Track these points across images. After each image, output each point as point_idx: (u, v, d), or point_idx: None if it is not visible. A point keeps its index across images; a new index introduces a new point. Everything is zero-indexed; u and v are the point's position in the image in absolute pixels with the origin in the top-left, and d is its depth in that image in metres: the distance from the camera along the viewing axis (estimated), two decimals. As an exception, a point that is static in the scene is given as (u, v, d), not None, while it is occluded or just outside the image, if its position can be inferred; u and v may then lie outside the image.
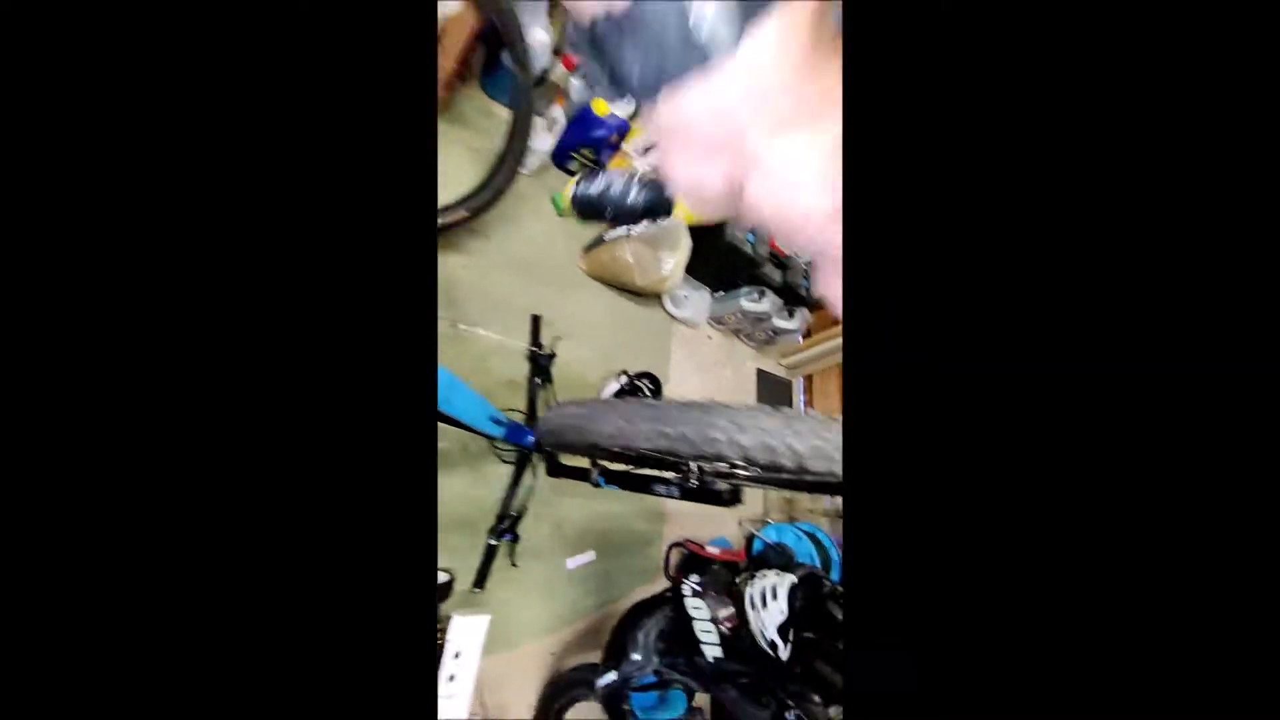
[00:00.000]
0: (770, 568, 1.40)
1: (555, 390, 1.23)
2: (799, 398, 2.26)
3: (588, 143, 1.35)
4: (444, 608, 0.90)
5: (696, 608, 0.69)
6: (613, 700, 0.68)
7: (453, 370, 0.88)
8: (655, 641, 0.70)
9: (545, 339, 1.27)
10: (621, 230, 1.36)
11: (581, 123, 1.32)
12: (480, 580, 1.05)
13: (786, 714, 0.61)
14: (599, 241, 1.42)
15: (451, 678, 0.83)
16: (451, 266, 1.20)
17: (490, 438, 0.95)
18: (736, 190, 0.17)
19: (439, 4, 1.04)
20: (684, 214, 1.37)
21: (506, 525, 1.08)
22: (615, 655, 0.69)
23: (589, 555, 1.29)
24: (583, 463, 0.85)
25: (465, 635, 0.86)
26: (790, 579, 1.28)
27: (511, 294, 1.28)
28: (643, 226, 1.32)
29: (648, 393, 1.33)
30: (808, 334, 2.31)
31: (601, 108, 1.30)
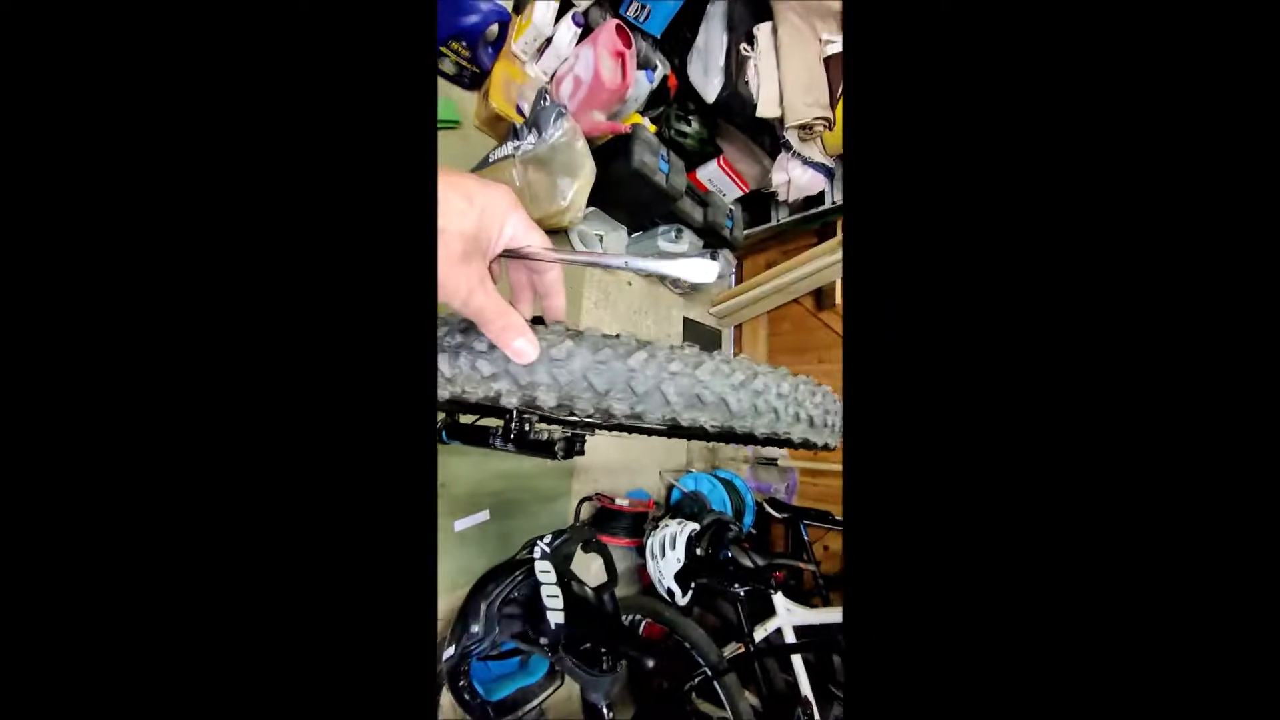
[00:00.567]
0: (685, 516, 1.38)
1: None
2: (728, 348, 2.22)
3: (461, 34, 1.11)
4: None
5: (544, 571, 0.62)
6: (452, 676, 0.60)
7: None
8: (501, 610, 0.62)
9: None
10: (508, 147, 1.16)
11: (451, 6, 1.07)
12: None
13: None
14: (484, 163, 1.21)
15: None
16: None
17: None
18: None
19: None
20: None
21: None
22: (457, 629, 0.61)
23: (481, 515, 1.19)
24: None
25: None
26: (691, 527, 1.26)
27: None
28: (531, 142, 1.13)
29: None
30: (739, 280, 2.24)
31: (471, -13, 1.05)
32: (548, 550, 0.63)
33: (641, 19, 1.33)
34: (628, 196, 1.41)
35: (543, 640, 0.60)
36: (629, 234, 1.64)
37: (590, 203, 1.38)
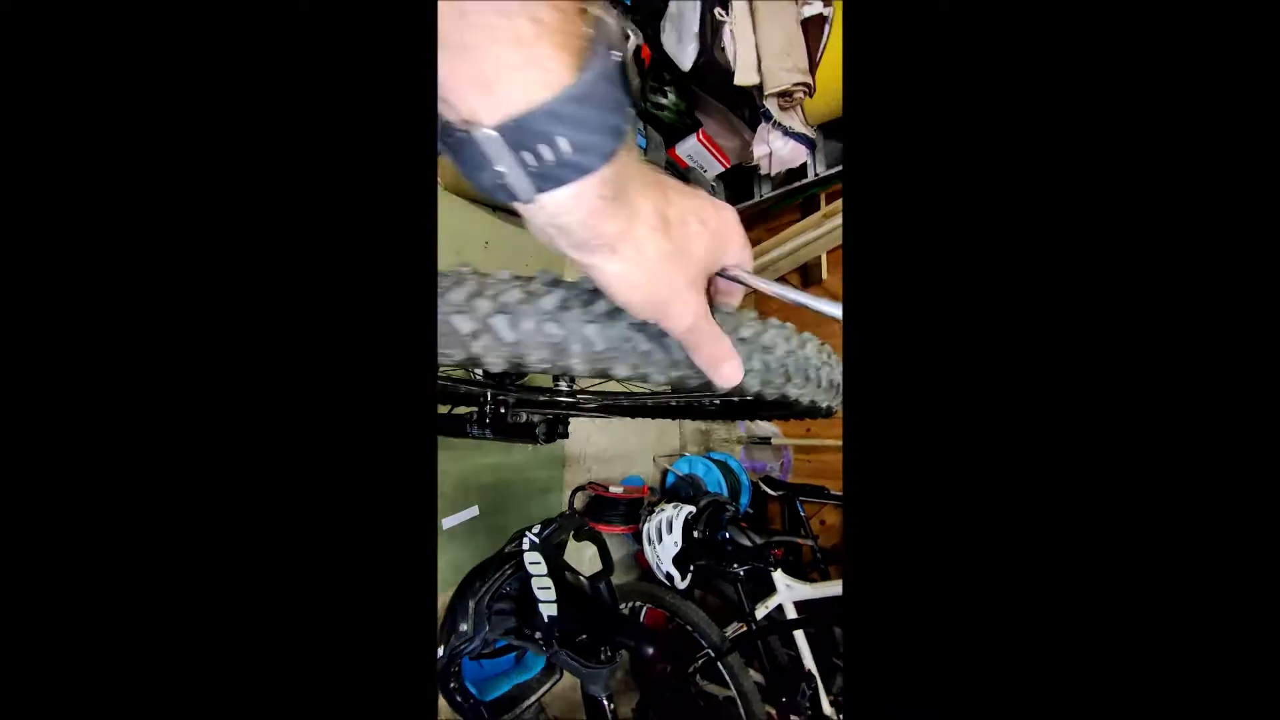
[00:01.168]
0: (681, 500, 1.37)
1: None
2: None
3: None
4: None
5: (534, 562, 0.59)
6: (442, 678, 0.57)
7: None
8: (491, 605, 0.59)
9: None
10: (474, 127, 1.10)
11: None
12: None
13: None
14: (451, 144, 1.15)
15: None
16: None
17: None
18: None
19: None
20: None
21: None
22: (444, 630, 0.58)
23: (470, 511, 1.16)
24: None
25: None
26: (686, 510, 1.24)
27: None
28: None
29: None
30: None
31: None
32: (536, 541, 0.60)
33: (610, -16, 1.26)
34: (605, 174, 1.36)
35: (536, 635, 0.57)
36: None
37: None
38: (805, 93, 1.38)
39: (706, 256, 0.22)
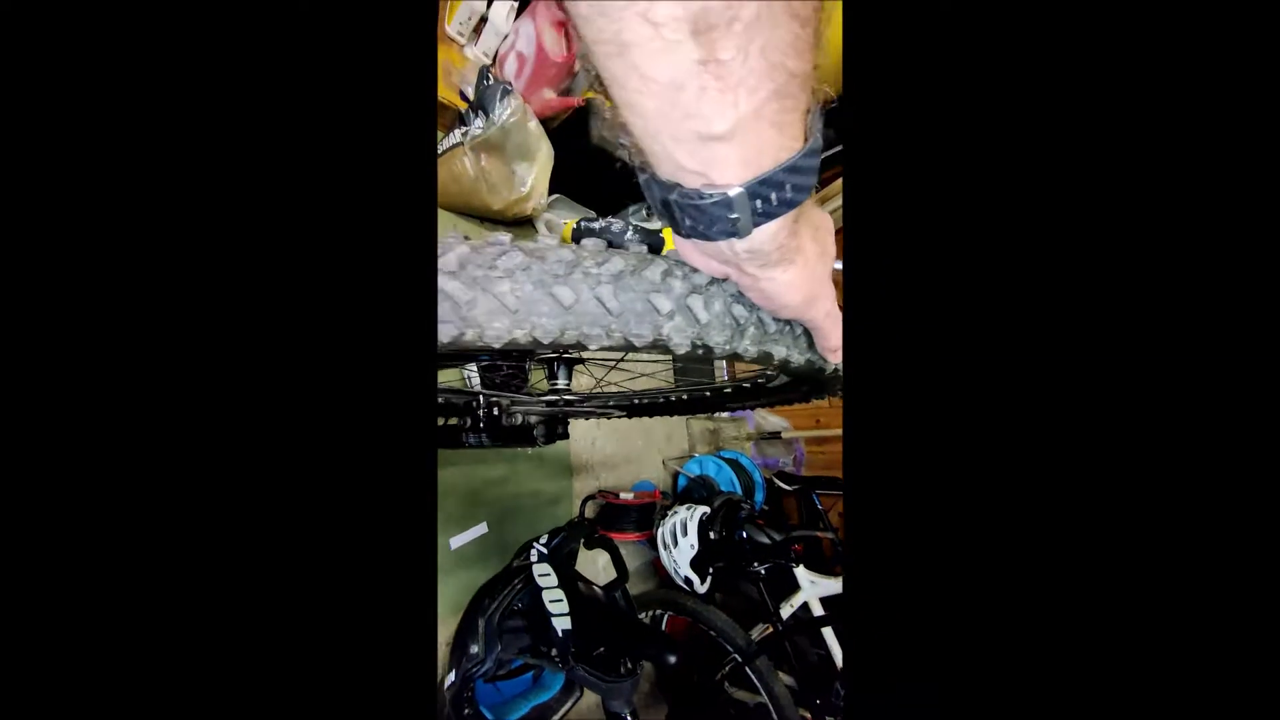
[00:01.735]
0: (694, 502, 1.33)
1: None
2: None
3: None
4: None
5: (543, 574, 0.55)
6: (456, 705, 0.54)
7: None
8: (502, 624, 0.56)
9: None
10: (455, 135, 1.08)
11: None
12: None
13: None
14: (433, 157, 1.13)
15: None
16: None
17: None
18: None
19: None
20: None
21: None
22: (456, 653, 0.54)
23: (479, 529, 1.12)
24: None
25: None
26: (701, 511, 1.20)
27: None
28: (480, 125, 1.05)
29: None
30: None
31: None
32: (545, 552, 0.57)
33: (581, -13, 1.26)
34: (594, 177, 1.35)
35: (551, 651, 0.54)
36: (600, 217, 1.57)
37: (554, 189, 1.31)
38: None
39: (833, 253, 0.26)
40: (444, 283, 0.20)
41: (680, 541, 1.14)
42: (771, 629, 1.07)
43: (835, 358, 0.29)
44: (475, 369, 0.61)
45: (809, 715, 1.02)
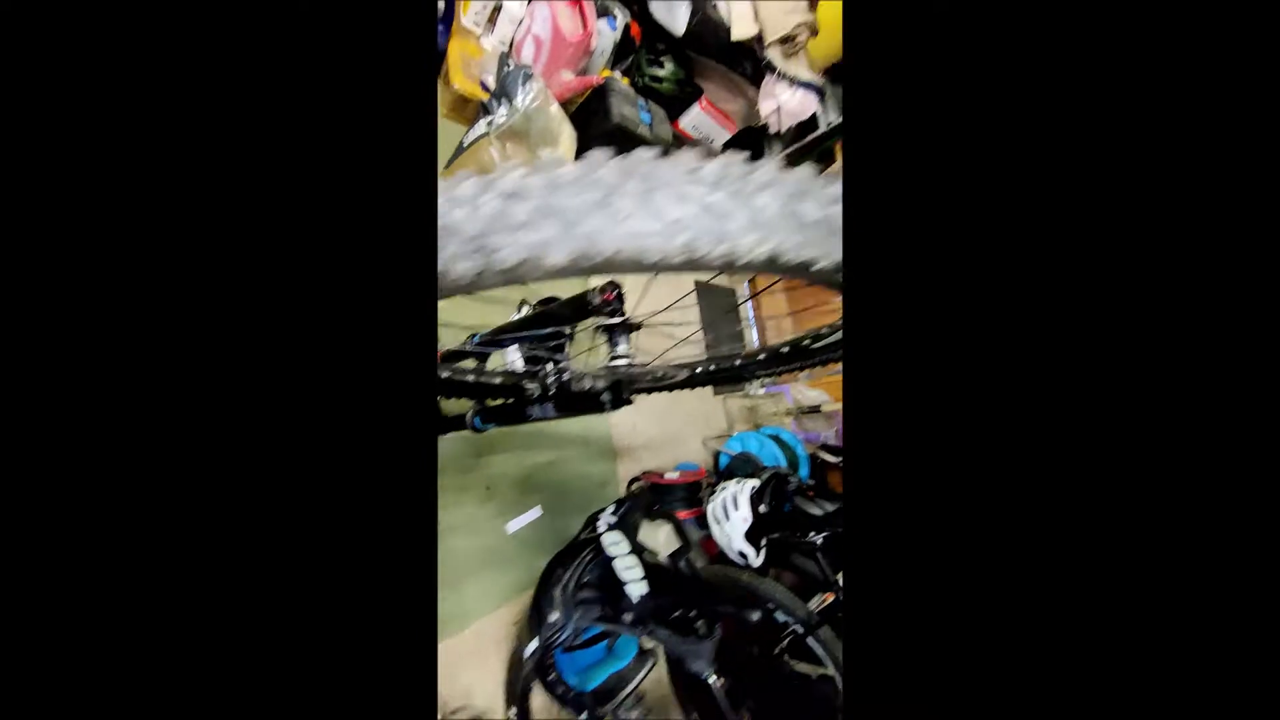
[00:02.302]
0: (741, 477, 1.32)
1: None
2: (746, 305, 2.13)
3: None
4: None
5: (614, 543, 0.56)
6: (541, 670, 0.55)
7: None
8: (575, 594, 0.57)
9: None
10: (481, 126, 1.09)
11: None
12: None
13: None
14: (459, 150, 1.14)
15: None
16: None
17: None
18: None
19: None
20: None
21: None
22: (534, 622, 0.56)
23: (534, 512, 1.15)
24: (464, 407, 0.68)
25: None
26: (750, 484, 1.19)
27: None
28: (503, 114, 1.05)
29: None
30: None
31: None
32: (614, 521, 0.58)
33: (591, -38, 1.23)
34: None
35: (627, 617, 0.54)
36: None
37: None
38: (808, 33, 1.31)
39: None
40: (706, 195, 0.19)
41: (732, 515, 1.14)
42: (832, 596, 1.06)
43: None
44: (518, 351, 0.61)
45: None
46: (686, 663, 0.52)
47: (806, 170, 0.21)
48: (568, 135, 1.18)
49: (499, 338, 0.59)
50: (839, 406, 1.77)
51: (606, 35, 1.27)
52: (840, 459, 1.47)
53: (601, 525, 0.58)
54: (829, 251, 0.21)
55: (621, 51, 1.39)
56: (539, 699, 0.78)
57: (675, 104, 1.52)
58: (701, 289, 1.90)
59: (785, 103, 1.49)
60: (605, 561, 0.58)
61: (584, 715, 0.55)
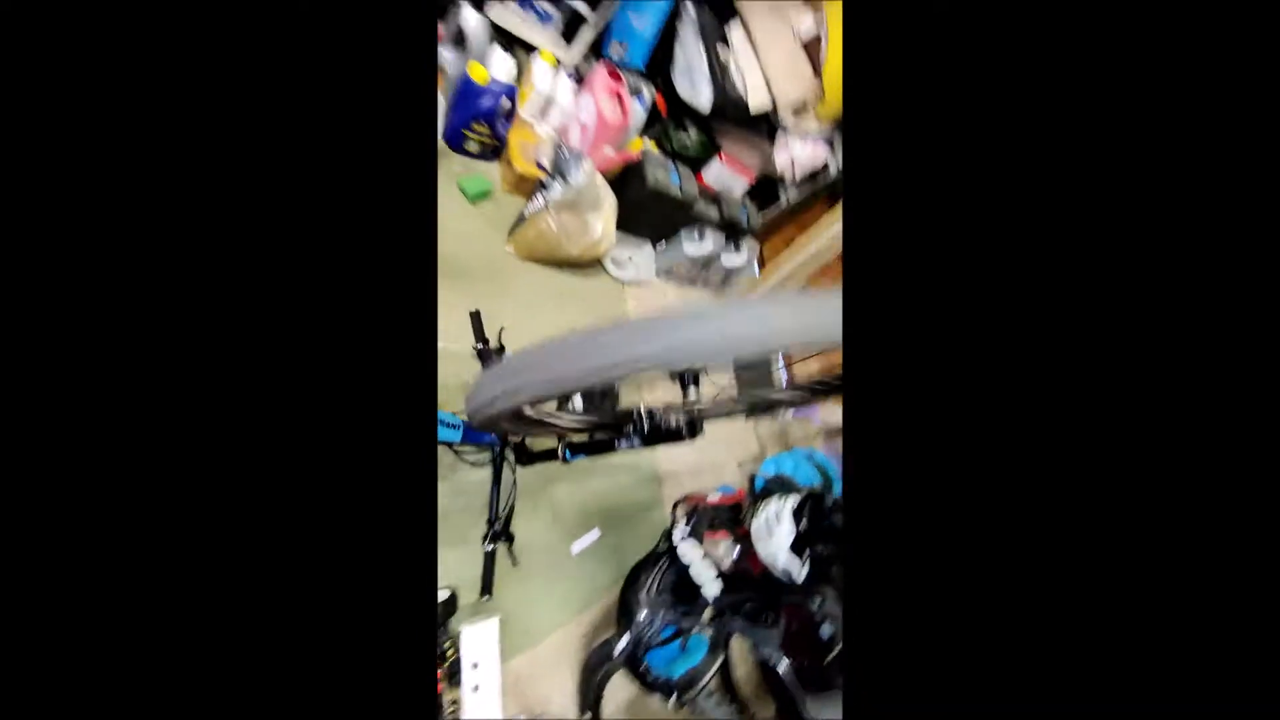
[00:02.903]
0: (779, 495, 1.41)
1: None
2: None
3: (478, 116, 1.25)
4: (453, 622, 0.87)
5: (689, 551, 0.68)
6: (632, 664, 0.67)
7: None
8: (658, 596, 0.68)
9: (489, 333, 1.21)
10: (538, 202, 1.28)
11: (465, 96, 1.22)
12: (486, 588, 1.02)
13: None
14: (520, 220, 1.34)
15: (476, 688, 0.81)
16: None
17: (450, 444, 0.90)
18: None
19: None
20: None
21: (498, 528, 1.04)
22: (624, 620, 0.68)
23: (594, 534, 1.27)
24: (551, 443, 0.82)
25: (478, 643, 0.84)
26: (791, 500, 1.28)
27: (444, 295, 1.20)
28: (558, 190, 1.24)
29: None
30: (763, 265, 2.29)
31: (479, 73, 1.20)
32: (686, 533, 0.69)
33: (624, 56, 1.45)
34: (649, 215, 1.52)
35: (705, 614, 0.66)
36: (653, 246, 1.74)
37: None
38: (816, 99, 1.49)
39: None
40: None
41: (775, 531, 1.23)
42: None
43: None
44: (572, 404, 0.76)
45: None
46: (759, 650, 0.63)
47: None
48: (610, 202, 1.37)
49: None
50: (867, 426, 1.85)
51: (639, 113, 1.47)
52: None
53: (676, 536, 0.70)
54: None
55: (649, 118, 1.60)
56: (610, 705, 0.87)
57: (698, 162, 1.72)
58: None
59: (798, 154, 1.66)
60: (680, 569, 0.70)
61: (674, 697, 0.66)
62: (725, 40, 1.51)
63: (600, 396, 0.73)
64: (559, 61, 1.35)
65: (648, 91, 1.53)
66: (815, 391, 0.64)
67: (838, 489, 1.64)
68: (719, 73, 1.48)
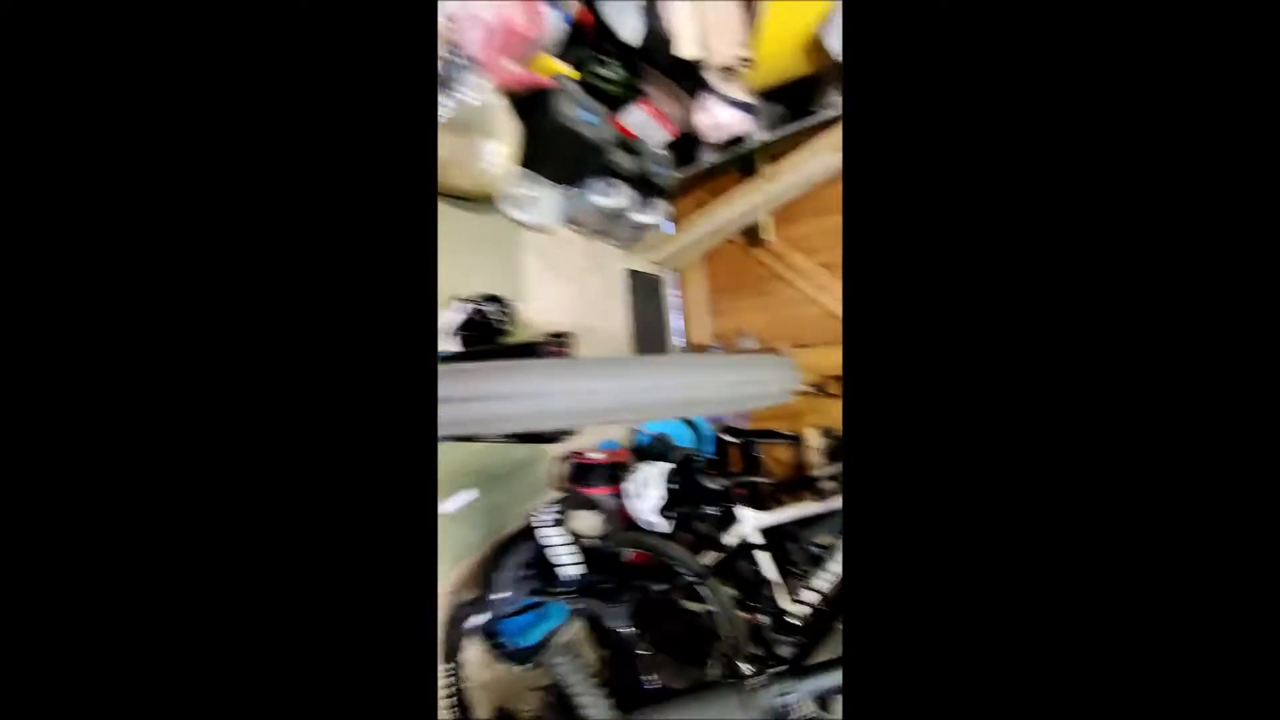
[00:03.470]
0: (654, 458, 1.52)
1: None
2: (669, 293, 2.30)
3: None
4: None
5: (554, 534, 0.70)
6: (488, 635, 0.69)
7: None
8: (518, 572, 0.71)
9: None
10: (420, 116, 1.05)
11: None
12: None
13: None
14: (395, 133, 1.09)
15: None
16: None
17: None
18: None
19: None
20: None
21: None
22: (481, 596, 0.69)
23: (470, 494, 1.24)
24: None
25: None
26: (665, 468, 1.40)
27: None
28: (447, 105, 1.03)
29: (497, 321, 1.19)
30: (675, 225, 2.27)
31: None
32: (550, 518, 0.71)
33: (543, -54, 1.19)
34: (556, 153, 1.36)
35: (562, 590, 0.70)
36: (562, 190, 1.59)
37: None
38: (746, 66, 1.42)
39: None
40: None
41: (646, 494, 1.34)
42: (723, 555, 1.33)
43: None
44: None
45: (746, 616, 1.32)
46: (608, 621, 0.70)
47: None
48: (510, 130, 1.18)
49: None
50: (742, 392, 2.05)
51: (555, 24, 1.26)
52: (739, 440, 1.75)
53: (539, 520, 0.71)
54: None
55: (570, 41, 1.38)
56: (471, 651, 0.92)
57: (619, 103, 1.56)
58: (633, 276, 2.02)
59: (721, 118, 1.61)
60: (540, 547, 0.73)
61: (527, 665, 0.71)
62: (664, -35, 1.33)
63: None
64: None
65: (570, 5, 1.30)
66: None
67: (709, 448, 1.82)
68: (654, 8, 1.31)
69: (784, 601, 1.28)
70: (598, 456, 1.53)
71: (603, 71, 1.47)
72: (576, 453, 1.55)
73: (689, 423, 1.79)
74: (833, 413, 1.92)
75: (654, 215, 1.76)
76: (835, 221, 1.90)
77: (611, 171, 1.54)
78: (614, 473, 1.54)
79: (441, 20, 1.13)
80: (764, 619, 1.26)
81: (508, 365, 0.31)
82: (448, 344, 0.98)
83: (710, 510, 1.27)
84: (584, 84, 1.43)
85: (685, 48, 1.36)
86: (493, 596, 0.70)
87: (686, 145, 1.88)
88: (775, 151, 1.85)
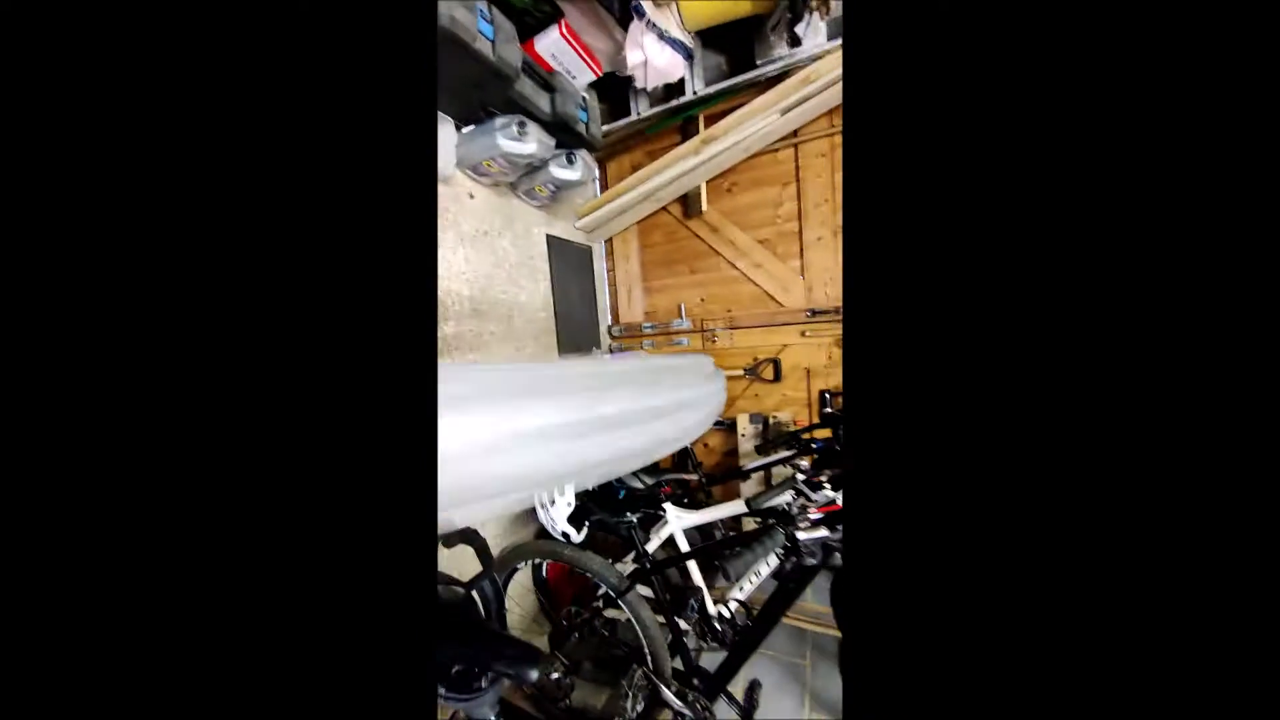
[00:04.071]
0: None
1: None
2: (600, 265, 2.07)
3: None
4: None
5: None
6: None
7: None
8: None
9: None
10: None
11: None
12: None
13: None
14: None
15: None
16: None
17: None
18: None
19: None
20: None
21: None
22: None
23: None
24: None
25: None
26: (577, 471, 1.22)
27: None
28: None
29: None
30: (604, 187, 2.02)
31: None
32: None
33: None
34: (445, 72, 1.05)
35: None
36: (457, 128, 1.27)
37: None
38: (682, -11, 1.19)
39: None
40: None
41: (558, 500, 1.15)
42: (643, 561, 1.19)
43: None
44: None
45: (669, 622, 1.20)
46: (470, 714, 0.51)
47: None
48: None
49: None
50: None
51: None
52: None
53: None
54: None
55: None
56: None
57: (530, 23, 1.26)
58: (554, 242, 1.75)
59: (653, 58, 1.37)
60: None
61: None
62: None
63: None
64: None
65: None
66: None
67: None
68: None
69: (709, 606, 1.18)
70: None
71: (505, -27, 1.16)
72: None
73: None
74: (764, 399, 1.85)
75: (574, 172, 1.48)
76: (774, 193, 1.77)
77: (523, 110, 1.25)
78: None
79: None
80: (687, 626, 1.16)
81: None
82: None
83: (632, 517, 1.11)
84: (481, -13, 1.11)
85: (609, -47, 1.10)
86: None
87: (619, 93, 1.62)
88: (713, 111, 1.66)
